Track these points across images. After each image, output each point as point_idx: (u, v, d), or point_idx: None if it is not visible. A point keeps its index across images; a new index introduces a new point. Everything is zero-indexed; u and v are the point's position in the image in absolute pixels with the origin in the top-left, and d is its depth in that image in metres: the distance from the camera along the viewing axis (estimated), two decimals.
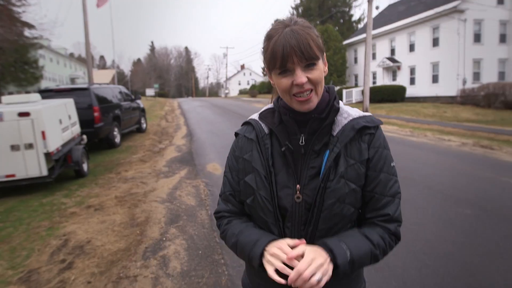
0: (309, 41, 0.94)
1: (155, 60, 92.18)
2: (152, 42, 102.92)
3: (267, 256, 0.96)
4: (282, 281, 0.89)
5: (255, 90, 53.37)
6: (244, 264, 1.17)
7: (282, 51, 0.93)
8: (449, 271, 2.96)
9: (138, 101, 13.55)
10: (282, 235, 1.03)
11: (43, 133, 5.81)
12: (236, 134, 1.17)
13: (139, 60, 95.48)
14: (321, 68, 0.99)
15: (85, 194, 5.73)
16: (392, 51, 28.22)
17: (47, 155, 5.90)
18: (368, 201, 1.03)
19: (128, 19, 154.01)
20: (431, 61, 24.15)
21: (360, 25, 44.94)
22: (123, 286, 2.94)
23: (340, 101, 1.10)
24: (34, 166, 5.83)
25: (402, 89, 24.89)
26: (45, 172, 5.87)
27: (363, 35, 29.43)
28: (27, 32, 16.88)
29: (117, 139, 10.44)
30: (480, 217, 4.16)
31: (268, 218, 1.03)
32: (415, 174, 6.13)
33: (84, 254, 3.55)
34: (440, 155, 7.95)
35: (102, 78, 60.38)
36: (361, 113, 1.06)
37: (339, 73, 32.54)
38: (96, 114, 9.10)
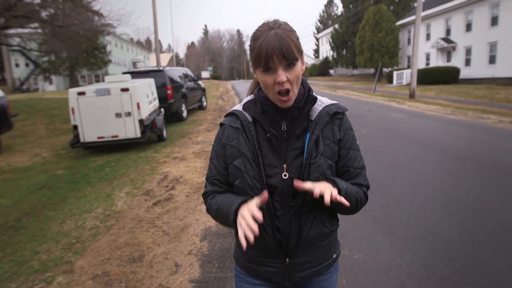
0: (290, 44, 1.05)
1: (208, 44, 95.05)
2: (205, 26, 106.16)
3: (238, 217, 1.07)
4: (244, 244, 0.98)
5: (306, 73, 53.81)
6: (235, 239, 1.28)
7: (266, 52, 1.04)
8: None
9: (200, 81, 15.33)
10: (271, 208, 1.17)
11: (138, 104, 7.62)
12: (221, 125, 1.28)
13: (193, 43, 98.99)
14: (299, 68, 1.11)
15: (169, 151, 7.48)
16: (448, 31, 27.48)
17: (140, 121, 7.72)
18: (342, 174, 1.23)
19: (184, 4, 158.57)
20: (488, 41, 23.40)
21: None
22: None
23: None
24: (131, 129, 7.68)
25: (455, 71, 24.46)
26: (139, 134, 7.71)
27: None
28: (95, 20, 18.65)
29: (184, 114, 12.29)
30: (476, 169, 5.24)
31: (257, 195, 1.13)
32: (435, 142, 7.12)
33: (180, 183, 5.20)
34: (469, 129, 8.73)
35: (160, 62, 63.58)
36: (330, 101, 1.24)
37: (390, 54, 32.21)
38: (169, 92, 10.92)
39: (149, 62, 64.62)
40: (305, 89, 1.21)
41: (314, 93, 1.23)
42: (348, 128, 1.23)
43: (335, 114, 1.21)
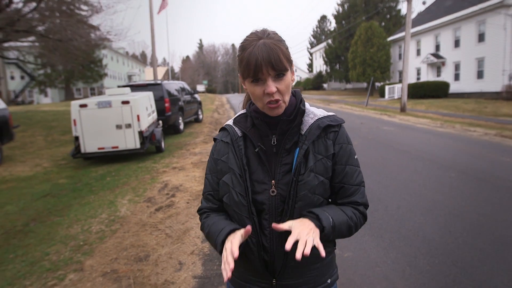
0: (279, 54, 1.02)
1: (203, 57, 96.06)
2: (200, 40, 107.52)
3: (223, 250, 1.03)
4: (225, 279, 0.95)
5: (300, 87, 54.64)
6: None
7: (255, 62, 1.01)
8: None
9: (196, 95, 15.68)
10: (257, 227, 1.12)
11: (138, 116, 7.90)
12: (215, 139, 1.26)
13: (187, 57, 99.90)
14: (289, 78, 1.08)
15: (168, 162, 7.74)
16: (437, 47, 28.32)
17: (140, 133, 7.98)
18: (338, 191, 1.16)
19: (179, 19, 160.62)
20: (476, 57, 24.16)
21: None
22: None
23: (306, 103, 1.21)
24: (131, 141, 7.94)
25: (445, 85, 25.15)
26: (138, 145, 7.97)
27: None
28: (93, 35, 18.82)
29: (181, 126, 12.58)
30: (459, 177, 5.57)
31: (243, 212, 1.11)
32: (423, 153, 7.47)
33: (180, 191, 5.45)
34: (456, 141, 9.11)
35: (157, 76, 63.93)
36: (326, 113, 1.18)
37: (382, 69, 33.00)
38: (167, 104, 11.22)
39: (144, 75, 65.13)
40: (297, 100, 1.18)
41: (309, 105, 1.21)
42: (344, 142, 1.16)
43: (328, 127, 1.14)
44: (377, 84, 34.70)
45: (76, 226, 4.36)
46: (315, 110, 1.19)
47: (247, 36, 1.09)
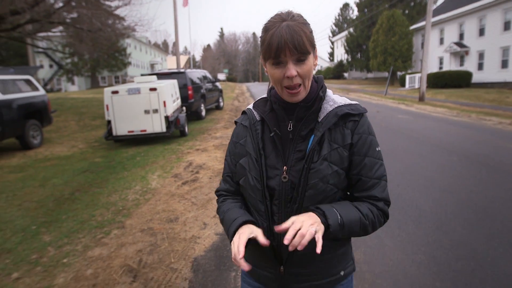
0: (302, 37, 1.01)
1: (223, 46, 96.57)
2: (221, 29, 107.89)
3: (232, 243, 1.04)
4: (239, 263, 0.98)
5: (321, 75, 54.30)
6: None
7: (277, 44, 1.00)
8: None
9: (217, 83, 16.28)
10: (269, 212, 1.12)
11: (164, 102, 8.56)
12: (236, 122, 1.28)
13: (209, 46, 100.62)
14: (311, 63, 1.06)
15: (191, 144, 8.40)
16: (461, 36, 27.80)
17: (166, 118, 8.65)
18: (355, 183, 1.12)
19: (200, 7, 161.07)
20: (501, 46, 23.69)
21: (434, 7, 43.39)
22: None
23: (329, 91, 1.18)
24: (158, 125, 8.63)
25: (467, 75, 24.80)
26: (165, 129, 8.65)
27: (432, 19, 29.33)
28: (120, 25, 19.51)
29: (203, 113, 13.24)
30: (460, 161, 5.97)
31: (257, 196, 1.13)
32: (431, 139, 7.82)
33: (203, 169, 6.08)
34: (467, 129, 9.37)
35: (176, 64, 64.87)
36: (348, 101, 1.14)
37: (404, 58, 32.60)
38: (190, 92, 11.87)
39: (166, 64, 66.26)
40: (318, 87, 1.15)
41: (331, 93, 1.18)
42: (364, 132, 1.12)
43: (347, 116, 1.11)
44: (399, 73, 34.35)
45: (114, 195, 5.05)
46: (337, 97, 1.16)
47: (271, 17, 1.07)
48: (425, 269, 2.88)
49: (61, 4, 12.58)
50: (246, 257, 1.06)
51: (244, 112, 1.26)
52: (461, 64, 27.80)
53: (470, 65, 26.55)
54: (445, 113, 13.23)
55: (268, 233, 1.12)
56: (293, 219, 0.98)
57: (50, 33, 18.03)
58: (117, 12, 16.90)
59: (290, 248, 0.92)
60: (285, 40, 0.99)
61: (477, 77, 25.28)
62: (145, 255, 3.26)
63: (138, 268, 3.04)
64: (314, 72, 1.12)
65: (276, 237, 1.13)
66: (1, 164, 7.32)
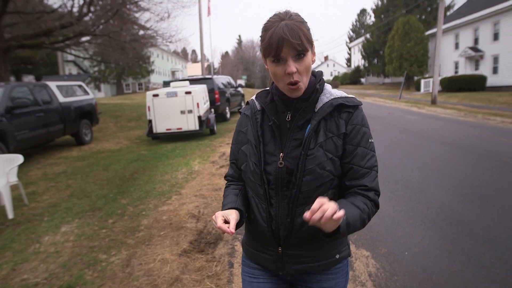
0: (300, 35, 1.06)
1: (241, 53, 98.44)
2: (239, 36, 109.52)
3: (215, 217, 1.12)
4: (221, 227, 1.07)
5: (338, 81, 55.39)
6: (244, 228, 1.38)
7: (276, 42, 1.05)
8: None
9: (239, 88, 17.59)
10: (267, 195, 1.20)
11: (197, 104, 9.87)
12: (240, 112, 1.36)
13: (227, 53, 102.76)
14: (309, 59, 1.12)
15: (221, 140, 9.67)
16: (476, 41, 28.37)
17: (199, 117, 9.96)
18: (347, 172, 1.17)
19: (219, 16, 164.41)
20: None
21: (449, 12, 43.79)
22: None
23: (328, 85, 1.25)
24: (192, 123, 9.94)
25: (481, 78, 25.36)
26: (198, 127, 9.95)
27: (447, 25, 30.02)
28: (151, 40, 20.71)
29: (228, 115, 14.54)
30: (453, 150, 7.03)
31: (256, 180, 1.20)
32: (432, 134, 8.84)
33: None
34: (469, 127, 10.31)
35: (195, 71, 66.60)
36: (344, 95, 1.20)
37: (419, 63, 33.26)
38: (217, 96, 13.19)
39: (186, 71, 68.31)
40: (316, 80, 1.22)
41: (330, 87, 1.24)
42: (358, 123, 1.17)
43: (341, 107, 1.16)
44: (415, 78, 34.99)
45: (166, 176, 6.32)
46: (335, 91, 1.21)
47: (270, 18, 1.12)
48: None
49: (102, 21, 14.12)
50: (248, 242, 1.33)
51: (247, 103, 1.34)
52: (476, 68, 28.31)
53: (485, 69, 27.06)
54: (453, 114, 14.11)
55: (266, 214, 1.21)
56: (320, 201, 0.94)
57: (85, 44, 19.75)
58: (147, 24, 18.49)
59: (306, 215, 0.94)
60: (284, 38, 1.04)
61: (492, 80, 25.79)
62: (202, 208, 4.50)
63: (198, 215, 4.28)
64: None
65: (274, 219, 1.20)
66: (66, 155, 8.76)
